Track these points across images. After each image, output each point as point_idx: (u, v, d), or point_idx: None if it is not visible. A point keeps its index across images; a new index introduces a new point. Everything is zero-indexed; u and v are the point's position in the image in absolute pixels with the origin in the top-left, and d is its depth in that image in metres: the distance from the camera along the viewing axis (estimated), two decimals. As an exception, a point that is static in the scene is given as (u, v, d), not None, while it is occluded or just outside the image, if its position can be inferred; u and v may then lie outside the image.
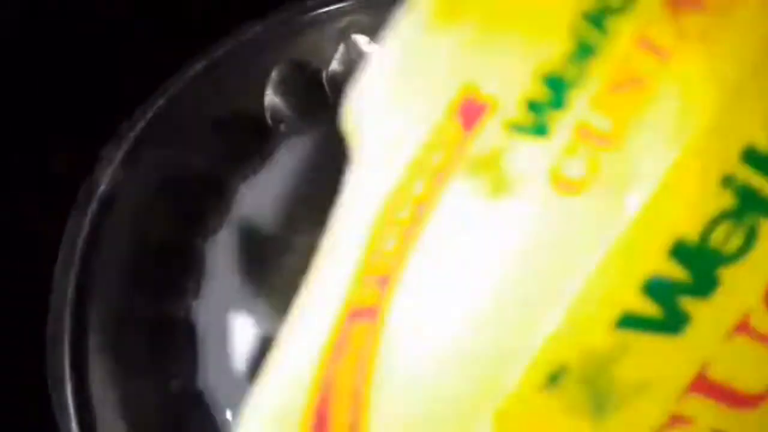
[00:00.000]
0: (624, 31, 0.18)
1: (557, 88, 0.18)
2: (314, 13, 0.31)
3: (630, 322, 0.16)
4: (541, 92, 0.18)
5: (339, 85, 0.35)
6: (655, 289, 0.16)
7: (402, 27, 0.20)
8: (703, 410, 0.17)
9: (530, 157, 0.17)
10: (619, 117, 0.17)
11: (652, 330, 0.16)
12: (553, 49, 0.18)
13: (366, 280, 0.18)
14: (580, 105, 0.17)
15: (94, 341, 0.28)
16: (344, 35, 0.33)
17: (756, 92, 0.17)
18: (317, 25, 0.32)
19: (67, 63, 0.41)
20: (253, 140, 0.34)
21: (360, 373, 0.17)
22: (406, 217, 0.18)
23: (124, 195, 0.29)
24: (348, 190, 0.20)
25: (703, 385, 0.17)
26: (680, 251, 0.17)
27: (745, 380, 0.17)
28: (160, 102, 0.30)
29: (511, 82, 0.18)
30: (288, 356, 0.19)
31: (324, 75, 0.34)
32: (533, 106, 0.18)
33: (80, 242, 0.28)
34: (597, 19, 0.18)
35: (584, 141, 0.17)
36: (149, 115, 0.30)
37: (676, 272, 0.17)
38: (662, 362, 0.16)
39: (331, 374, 0.18)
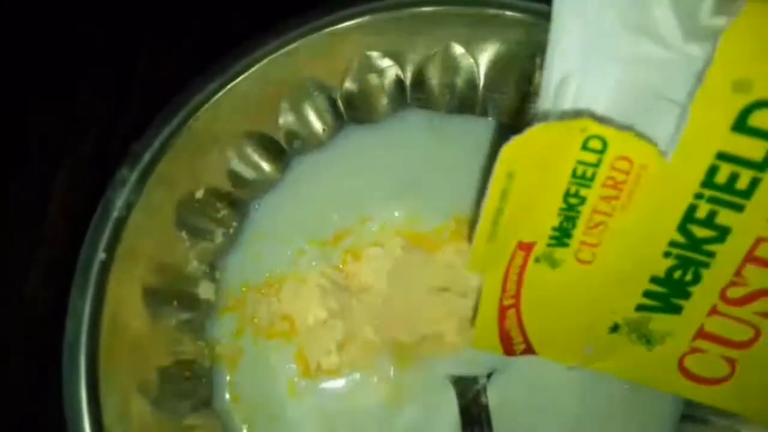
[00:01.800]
0: None
1: None
2: (327, 30, 0.31)
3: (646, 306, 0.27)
4: None
5: (353, 102, 0.35)
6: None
7: None
8: (710, 347, 0.27)
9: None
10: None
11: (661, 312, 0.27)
12: None
13: None
14: None
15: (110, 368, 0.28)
16: (357, 53, 0.33)
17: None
18: (330, 43, 0.32)
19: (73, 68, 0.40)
20: (268, 158, 0.34)
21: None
22: None
23: (139, 217, 0.29)
24: None
25: (704, 335, 0.27)
26: None
27: (731, 336, 0.26)
28: (174, 121, 0.30)
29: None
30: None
31: (338, 92, 0.34)
32: None
33: (95, 266, 0.28)
34: None
35: None
36: (163, 134, 0.29)
37: None
38: (672, 326, 0.27)
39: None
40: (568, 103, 0.24)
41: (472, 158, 0.34)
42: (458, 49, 0.34)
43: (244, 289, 0.33)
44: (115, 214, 0.28)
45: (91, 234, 0.28)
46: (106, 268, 0.28)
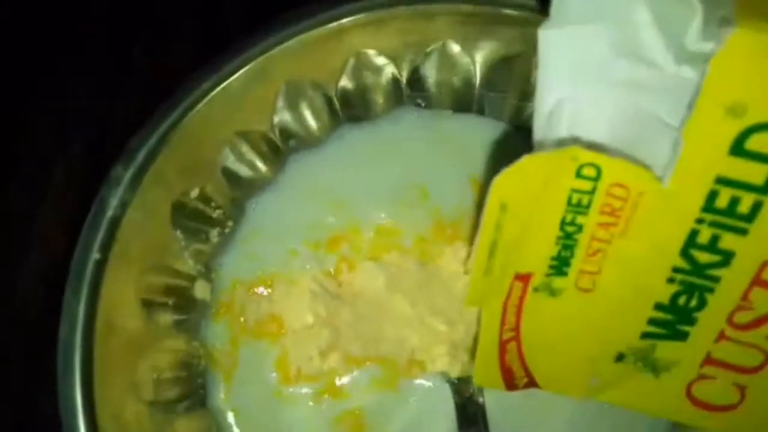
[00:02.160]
0: None
1: None
2: (322, 28, 0.31)
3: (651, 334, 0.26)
4: None
5: (349, 100, 0.34)
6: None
7: None
8: (718, 373, 0.26)
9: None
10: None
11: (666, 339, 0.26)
12: None
13: None
14: None
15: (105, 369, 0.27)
16: (353, 50, 0.33)
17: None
18: (325, 40, 0.31)
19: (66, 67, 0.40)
20: (263, 156, 0.34)
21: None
22: None
23: (133, 216, 0.29)
24: None
25: (711, 362, 0.26)
26: None
27: (739, 361, 0.26)
28: (169, 119, 0.29)
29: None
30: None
31: (334, 91, 0.34)
32: None
33: (90, 266, 0.28)
34: None
35: None
36: (159, 132, 0.29)
37: None
38: (679, 353, 0.26)
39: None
40: (563, 131, 0.24)
41: (469, 157, 0.34)
42: (455, 48, 0.34)
43: (235, 287, 0.33)
44: (109, 213, 0.28)
45: (86, 234, 0.28)
46: (100, 268, 0.28)
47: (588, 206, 0.23)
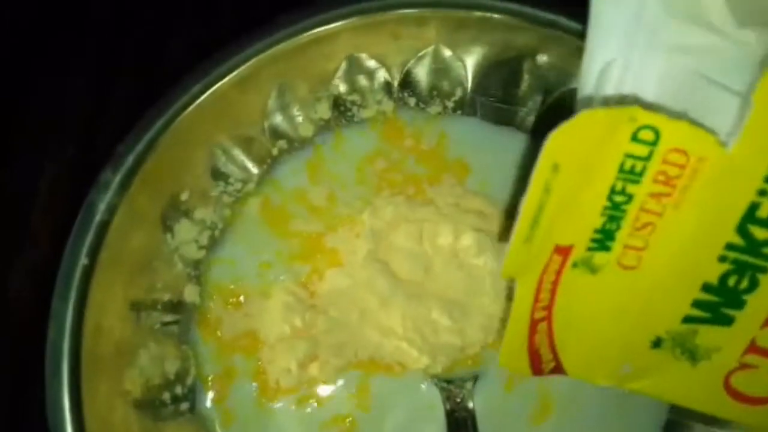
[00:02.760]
0: None
1: None
2: (315, 31, 0.31)
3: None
4: None
5: (341, 103, 0.34)
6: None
7: None
8: (762, 362, 0.25)
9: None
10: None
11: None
12: None
13: None
14: None
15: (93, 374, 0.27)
16: (345, 54, 0.33)
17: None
18: (318, 44, 0.31)
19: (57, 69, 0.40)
20: (253, 159, 0.34)
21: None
22: None
23: (122, 220, 0.28)
24: None
25: (755, 349, 0.24)
26: None
27: None
28: (159, 122, 0.29)
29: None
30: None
31: (326, 94, 0.34)
32: None
33: (78, 271, 0.27)
34: None
35: None
36: (148, 135, 0.29)
37: None
38: (721, 339, 0.25)
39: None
40: (611, 90, 0.22)
41: (461, 158, 0.34)
42: (446, 52, 0.34)
43: (213, 297, 0.33)
44: (98, 217, 0.28)
45: (74, 238, 0.28)
46: (88, 273, 0.28)
47: (641, 174, 0.21)
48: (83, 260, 0.27)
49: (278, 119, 0.34)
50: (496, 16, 0.31)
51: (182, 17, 0.40)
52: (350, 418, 0.31)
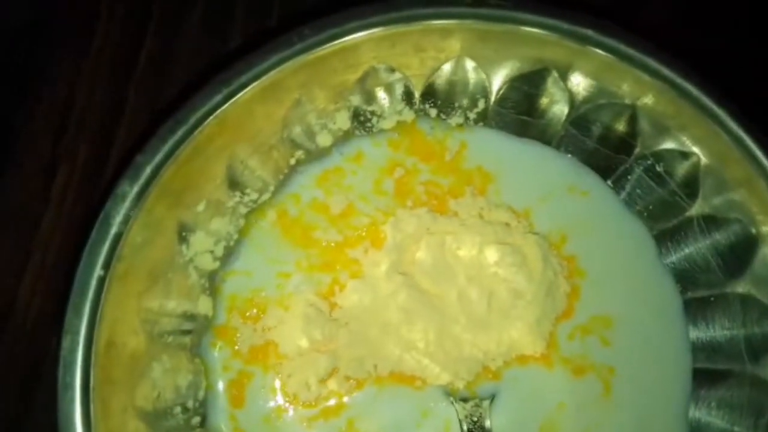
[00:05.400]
0: None
1: None
2: (337, 42, 0.30)
3: None
4: None
5: (361, 114, 0.34)
6: None
7: None
8: None
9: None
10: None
11: None
12: None
13: None
14: None
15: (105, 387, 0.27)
16: (367, 65, 0.32)
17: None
18: (341, 55, 0.31)
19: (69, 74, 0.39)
20: (271, 170, 0.33)
21: None
22: None
23: (138, 231, 0.28)
24: None
25: None
26: None
27: None
28: (178, 133, 0.29)
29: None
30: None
31: (346, 104, 0.33)
32: None
33: (93, 283, 0.27)
34: None
35: None
36: (167, 146, 0.28)
37: None
38: None
39: None
40: None
41: (482, 169, 0.34)
42: (470, 63, 0.33)
43: (231, 311, 0.32)
44: (114, 229, 0.27)
45: (89, 250, 0.27)
46: (103, 285, 0.27)
47: None
48: (98, 272, 0.27)
49: (297, 130, 0.33)
50: (522, 28, 0.31)
51: (193, 24, 0.39)
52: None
